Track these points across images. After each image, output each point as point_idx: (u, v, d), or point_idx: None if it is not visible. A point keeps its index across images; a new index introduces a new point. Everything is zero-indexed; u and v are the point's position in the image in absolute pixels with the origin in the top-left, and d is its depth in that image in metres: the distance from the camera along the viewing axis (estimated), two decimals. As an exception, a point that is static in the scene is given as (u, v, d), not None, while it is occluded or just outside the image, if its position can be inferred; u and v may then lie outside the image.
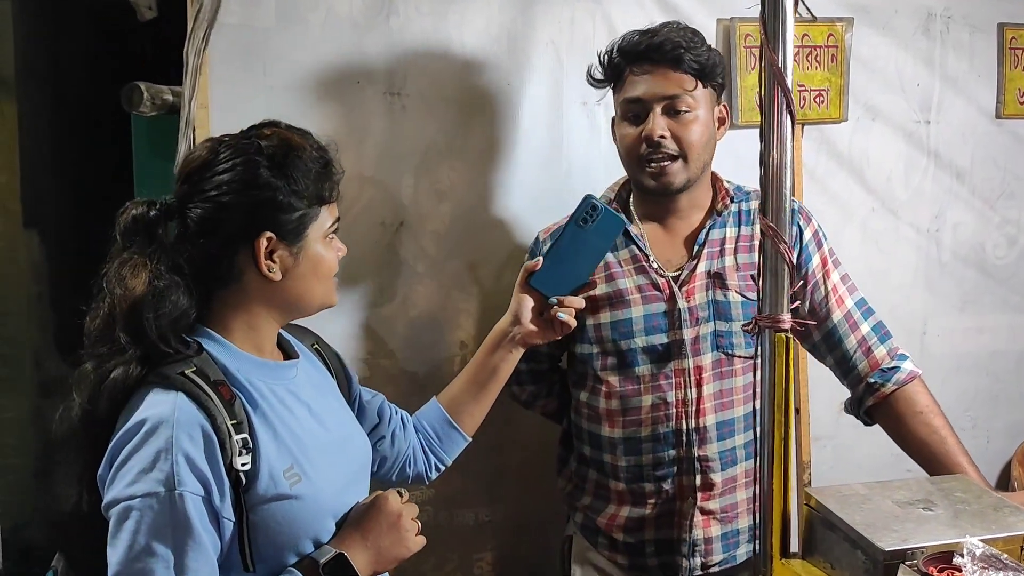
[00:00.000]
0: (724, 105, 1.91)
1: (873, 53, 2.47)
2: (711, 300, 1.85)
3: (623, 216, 1.66)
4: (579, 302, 1.70)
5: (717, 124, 1.88)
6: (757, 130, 2.34)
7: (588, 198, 1.66)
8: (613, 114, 1.91)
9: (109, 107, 2.87)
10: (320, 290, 1.43)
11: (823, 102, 2.43)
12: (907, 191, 2.56)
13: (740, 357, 1.86)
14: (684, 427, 1.84)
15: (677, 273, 1.87)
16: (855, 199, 2.51)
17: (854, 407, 1.94)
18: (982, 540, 1.33)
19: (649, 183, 1.83)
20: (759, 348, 1.56)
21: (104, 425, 1.29)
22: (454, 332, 2.22)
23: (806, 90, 2.39)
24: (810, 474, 2.50)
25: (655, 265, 1.87)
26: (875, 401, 1.88)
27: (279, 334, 1.47)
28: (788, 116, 1.50)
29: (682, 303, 1.84)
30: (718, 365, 1.85)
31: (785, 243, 1.51)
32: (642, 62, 1.82)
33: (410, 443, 1.70)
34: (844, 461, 2.55)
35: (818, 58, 2.39)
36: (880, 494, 1.52)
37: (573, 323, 1.68)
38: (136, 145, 2.44)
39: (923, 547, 1.35)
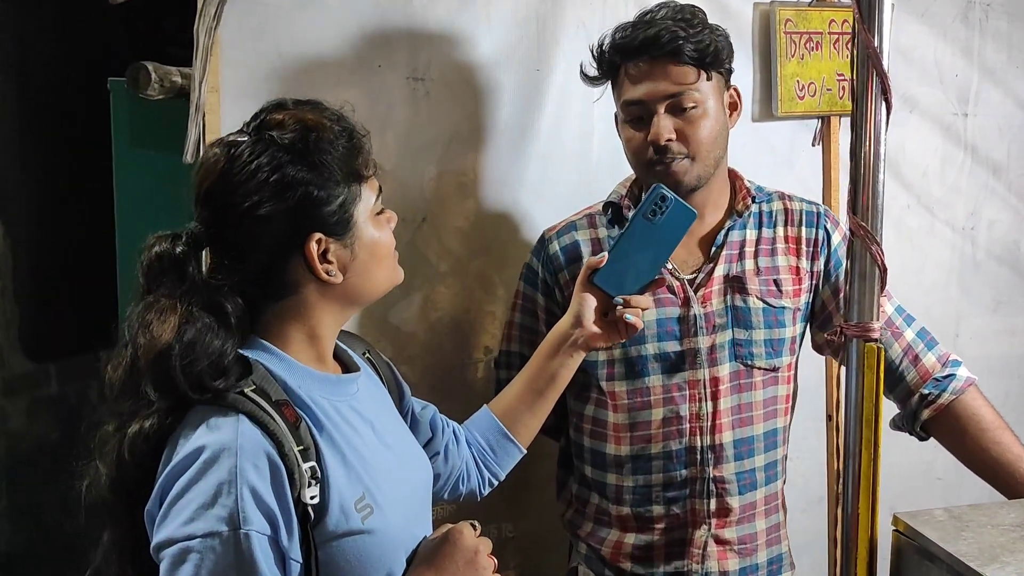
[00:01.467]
0: (735, 89, 1.74)
1: (912, 42, 2.36)
2: (729, 306, 1.71)
3: (694, 209, 1.52)
4: (647, 301, 1.55)
5: (728, 111, 1.72)
6: (796, 122, 2.29)
7: (657, 188, 1.52)
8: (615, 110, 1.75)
9: (76, 93, 2.72)
10: (384, 274, 1.30)
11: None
12: (943, 187, 2.45)
13: (760, 369, 1.72)
14: (698, 444, 1.70)
15: (693, 276, 1.73)
16: (890, 195, 2.36)
17: (908, 422, 1.78)
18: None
19: None
20: (845, 358, 1.43)
21: (138, 484, 1.13)
22: (479, 336, 2.08)
23: (845, 80, 2.26)
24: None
25: (670, 266, 1.71)
26: (932, 414, 1.73)
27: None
28: (884, 104, 1.36)
29: (697, 308, 1.70)
30: (736, 377, 1.71)
31: (877, 244, 1.38)
32: (638, 58, 1.64)
33: (463, 458, 1.55)
34: (874, 469, 2.44)
35: (857, 46, 2.26)
36: (978, 520, 1.40)
37: (640, 324, 1.53)
38: (116, 134, 2.27)
39: (1042, 581, 1.24)
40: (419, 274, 2.02)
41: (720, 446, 1.70)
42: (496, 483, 1.62)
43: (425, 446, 1.49)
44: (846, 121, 2.29)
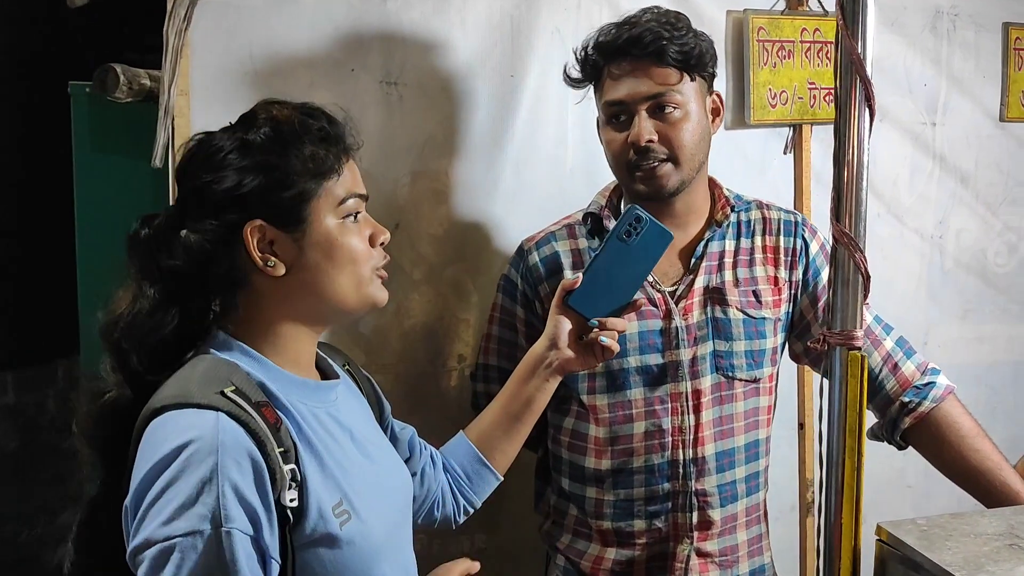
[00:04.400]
0: (717, 95, 1.73)
1: (881, 51, 2.36)
2: (709, 317, 1.69)
3: (669, 230, 1.50)
4: (622, 324, 1.51)
5: (711, 116, 1.71)
6: (768, 130, 2.29)
7: (632, 209, 1.48)
8: (597, 115, 1.74)
9: (36, 98, 2.67)
10: (345, 281, 1.23)
11: (833, 101, 2.31)
12: (912, 196, 2.46)
13: (741, 380, 1.70)
14: (681, 457, 1.68)
15: (674, 288, 1.71)
16: (861, 204, 2.41)
17: (887, 431, 1.76)
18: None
19: (640, 188, 1.65)
20: (827, 366, 1.42)
21: (110, 441, 1.16)
22: (452, 344, 2.05)
23: (816, 88, 2.27)
24: (813, 493, 2.38)
25: (651, 278, 1.69)
26: (913, 422, 1.71)
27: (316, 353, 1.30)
28: (867, 111, 1.35)
29: (679, 320, 1.68)
30: (717, 389, 1.69)
31: (861, 252, 1.38)
32: (621, 58, 1.63)
33: (439, 483, 1.51)
34: (845, 477, 2.44)
35: (828, 55, 2.26)
36: (960, 529, 1.39)
37: (616, 348, 1.49)
38: (76, 139, 2.22)
39: (1028, 590, 1.24)
40: (392, 281, 1.93)
41: (702, 459, 1.68)
42: (472, 511, 1.58)
43: None
44: (817, 129, 2.30)
